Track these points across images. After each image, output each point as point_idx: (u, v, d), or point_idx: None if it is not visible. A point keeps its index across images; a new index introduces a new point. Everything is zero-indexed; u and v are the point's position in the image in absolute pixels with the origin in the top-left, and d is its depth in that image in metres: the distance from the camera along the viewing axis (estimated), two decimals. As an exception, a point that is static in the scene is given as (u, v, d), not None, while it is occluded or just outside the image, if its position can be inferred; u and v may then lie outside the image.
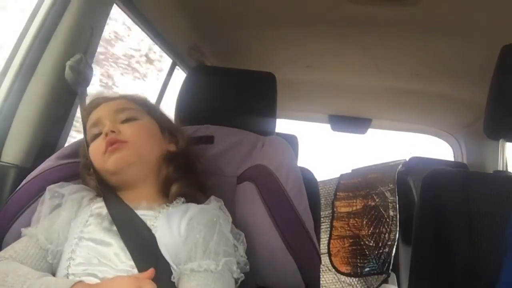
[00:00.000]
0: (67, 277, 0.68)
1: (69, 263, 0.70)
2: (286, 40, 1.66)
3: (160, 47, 1.66)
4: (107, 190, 0.78)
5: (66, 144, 1.03)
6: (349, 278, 1.60)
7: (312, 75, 1.95)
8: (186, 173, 0.82)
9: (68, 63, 0.96)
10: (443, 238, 0.94)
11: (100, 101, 0.86)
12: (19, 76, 0.95)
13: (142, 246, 0.69)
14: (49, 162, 0.88)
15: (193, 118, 1.05)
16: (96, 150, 0.79)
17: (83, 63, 0.98)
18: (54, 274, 0.72)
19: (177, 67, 1.79)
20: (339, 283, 1.61)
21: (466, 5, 1.25)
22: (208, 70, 1.47)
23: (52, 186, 0.80)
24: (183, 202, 0.79)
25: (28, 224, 0.78)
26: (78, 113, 0.95)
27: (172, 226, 0.73)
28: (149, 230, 0.71)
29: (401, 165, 1.72)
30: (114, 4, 1.16)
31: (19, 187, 0.85)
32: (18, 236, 0.75)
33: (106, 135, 0.78)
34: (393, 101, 2.17)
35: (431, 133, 2.55)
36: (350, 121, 2.39)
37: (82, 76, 0.97)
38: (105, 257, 0.69)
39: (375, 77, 1.91)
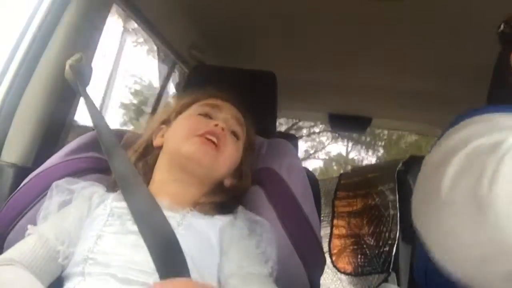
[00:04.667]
0: (83, 276, 0.64)
1: (86, 262, 0.64)
2: (287, 39, 1.66)
3: (160, 46, 1.66)
4: (130, 181, 0.73)
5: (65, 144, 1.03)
6: (349, 277, 1.60)
7: (312, 74, 1.94)
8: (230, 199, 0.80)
9: (68, 62, 0.96)
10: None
11: (231, 98, 0.87)
12: (19, 76, 0.95)
13: (165, 249, 0.65)
14: (54, 159, 0.85)
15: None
16: (186, 125, 0.79)
17: (83, 62, 0.98)
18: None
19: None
20: (339, 282, 1.60)
21: (466, 5, 1.25)
22: (208, 70, 1.47)
23: (59, 181, 0.76)
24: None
25: (32, 224, 0.71)
26: (78, 114, 0.95)
27: (202, 236, 0.70)
28: (172, 232, 0.65)
29: (400, 164, 1.72)
30: (114, 4, 1.16)
31: (20, 186, 0.82)
32: (22, 237, 0.70)
33: (216, 125, 0.77)
34: (393, 101, 2.17)
35: (431, 133, 2.54)
36: (350, 120, 2.38)
37: (82, 76, 0.97)
38: (126, 257, 0.64)
39: (375, 76, 1.91)
